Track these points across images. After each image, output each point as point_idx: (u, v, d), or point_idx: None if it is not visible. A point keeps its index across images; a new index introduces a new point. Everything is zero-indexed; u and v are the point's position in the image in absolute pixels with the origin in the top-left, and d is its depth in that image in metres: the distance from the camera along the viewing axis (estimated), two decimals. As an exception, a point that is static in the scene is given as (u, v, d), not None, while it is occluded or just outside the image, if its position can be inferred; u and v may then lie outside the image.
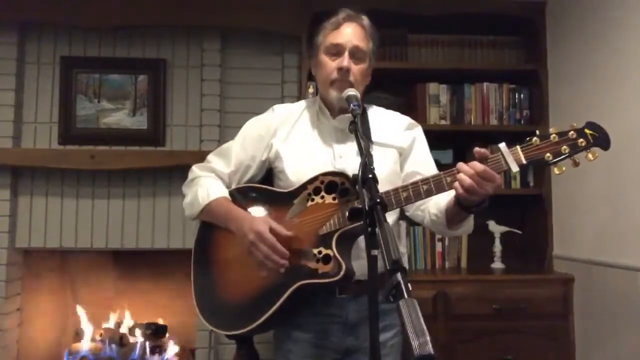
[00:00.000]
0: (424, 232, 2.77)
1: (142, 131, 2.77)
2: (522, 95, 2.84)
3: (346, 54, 1.46)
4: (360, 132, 1.25)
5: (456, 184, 1.26)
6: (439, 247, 2.78)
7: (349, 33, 1.48)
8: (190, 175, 1.61)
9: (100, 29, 2.74)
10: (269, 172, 1.59)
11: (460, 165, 1.27)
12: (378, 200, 0.99)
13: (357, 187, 1.12)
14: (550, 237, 2.70)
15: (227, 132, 2.79)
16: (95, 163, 2.61)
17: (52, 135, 2.75)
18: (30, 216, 2.70)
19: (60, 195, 2.73)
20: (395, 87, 2.81)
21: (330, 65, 1.47)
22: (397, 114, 1.65)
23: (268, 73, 2.86)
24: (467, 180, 1.24)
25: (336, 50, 1.48)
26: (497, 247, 2.77)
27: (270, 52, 2.87)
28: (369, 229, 0.97)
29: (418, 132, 1.62)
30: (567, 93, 2.59)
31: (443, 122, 2.79)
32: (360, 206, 1.04)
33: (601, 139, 1.23)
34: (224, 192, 1.52)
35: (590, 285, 2.37)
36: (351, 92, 1.41)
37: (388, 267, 0.83)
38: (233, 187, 1.56)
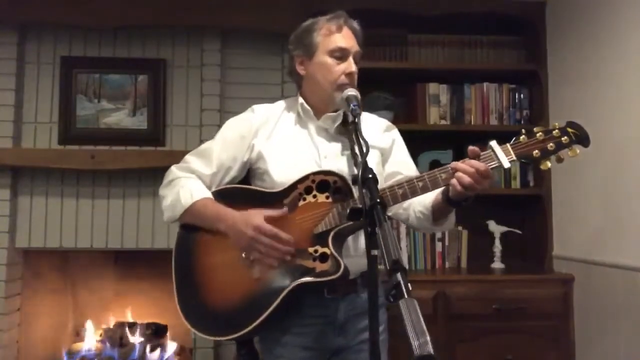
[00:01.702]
0: (423, 233, 2.77)
1: (142, 131, 2.77)
2: (522, 95, 2.84)
3: (351, 58, 1.47)
4: (361, 132, 1.26)
5: (453, 180, 1.29)
6: (439, 247, 2.78)
7: (352, 37, 1.49)
8: (169, 176, 1.55)
9: (100, 29, 2.74)
10: (246, 174, 1.57)
11: (456, 163, 1.31)
12: (378, 200, 0.99)
13: (357, 186, 1.12)
14: (550, 237, 2.70)
15: (227, 132, 2.79)
16: (95, 163, 2.61)
17: (52, 135, 2.75)
18: (30, 216, 2.70)
19: (60, 195, 2.73)
20: (395, 87, 2.81)
21: (337, 69, 1.46)
22: (374, 116, 1.67)
23: (268, 73, 2.86)
24: (467, 179, 1.27)
25: (341, 54, 1.47)
26: (497, 247, 2.76)
27: (270, 52, 2.86)
28: (369, 229, 0.97)
29: (396, 133, 1.65)
30: (567, 93, 2.59)
31: (443, 122, 2.79)
32: (360, 206, 1.04)
33: (582, 137, 1.32)
34: (208, 193, 1.48)
35: (590, 285, 2.37)
36: (351, 92, 1.41)
37: (388, 267, 0.83)
38: (213, 189, 1.52)
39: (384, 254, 0.87)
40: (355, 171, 1.16)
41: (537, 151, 1.31)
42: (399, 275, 0.81)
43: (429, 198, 1.44)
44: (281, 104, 1.60)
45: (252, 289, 1.37)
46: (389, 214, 1.58)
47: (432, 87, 2.80)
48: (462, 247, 2.81)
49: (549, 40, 2.77)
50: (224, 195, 1.49)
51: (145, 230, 2.74)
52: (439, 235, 2.77)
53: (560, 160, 1.33)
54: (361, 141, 1.21)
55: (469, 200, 1.34)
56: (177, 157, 2.60)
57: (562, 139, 1.31)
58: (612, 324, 2.22)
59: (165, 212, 1.53)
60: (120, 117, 2.78)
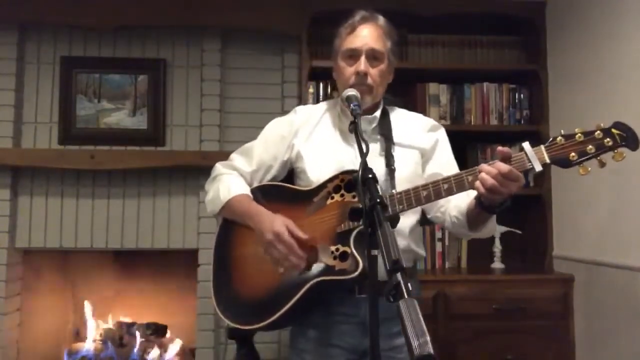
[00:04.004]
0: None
1: (142, 131, 2.77)
2: (522, 95, 2.84)
3: (362, 58, 1.47)
4: (361, 132, 1.25)
5: (477, 183, 1.25)
6: (439, 247, 2.78)
7: (365, 35, 1.49)
8: (213, 173, 1.63)
9: (100, 29, 2.74)
10: (290, 172, 1.61)
11: (482, 165, 1.27)
12: (378, 200, 0.99)
13: (358, 186, 1.12)
14: (550, 237, 2.70)
15: (227, 132, 2.80)
16: (95, 163, 2.61)
17: (52, 135, 2.75)
18: (30, 216, 2.70)
19: (60, 195, 2.73)
20: (395, 87, 2.79)
21: (348, 70, 1.49)
22: (420, 115, 1.67)
23: (268, 73, 2.86)
24: (490, 180, 1.23)
25: (352, 55, 1.49)
26: (497, 247, 2.76)
27: (270, 52, 2.87)
28: (369, 229, 0.96)
29: (441, 133, 1.62)
30: (567, 93, 2.59)
31: (443, 122, 2.78)
32: (360, 206, 1.03)
33: (629, 139, 1.21)
34: (245, 190, 1.54)
35: (591, 285, 2.37)
36: (351, 92, 1.41)
37: (388, 267, 0.83)
38: (255, 185, 1.58)
39: (384, 254, 0.87)
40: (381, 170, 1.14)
41: (573, 154, 1.21)
42: (399, 275, 0.81)
43: (464, 203, 1.41)
44: (323, 105, 1.64)
45: (276, 283, 1.40)
46: (428, 216, 1.59)
47: (432, 87, 2.80)
48: (462, 247, 2.82)
49: (549, 40, 2.76)
50: (263, 192, 1.55)
51: (145, 230, 2.74)
52: (439, 235, 2.77)
53: (602, 164, 1.22)
54: (362, 142, 1.21)
55: (503, 206, 1.29)
56: (177, 157, 2.67)
57: (605, 140, 1.21)
58: (612, 324, 2.22)
59: (207, 206, 1.60)
60: (120, 117, 2.78)
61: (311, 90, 2.71)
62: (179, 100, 2.82)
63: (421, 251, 1.56)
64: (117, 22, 2.68)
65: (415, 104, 2.80)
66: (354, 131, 1.26)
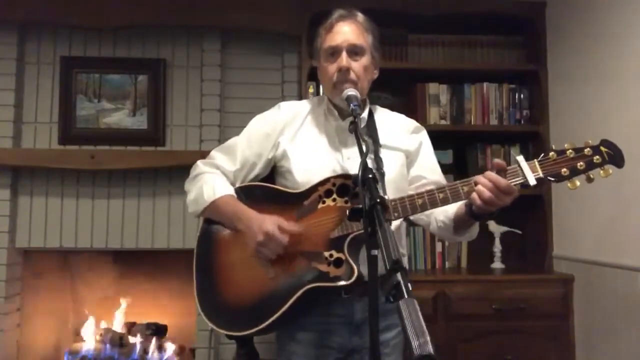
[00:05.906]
0: (424, 232, 2.77)
1: (142, 131, 2.77)
2: (522, 95, 2.84)
3: (343, 53, 1.45)
4: (360, 131, 1.25)
5: (474, 195, 1.27)
6: (439, 247, 2.78)
7: (345, 32, 1.47)
8: (195, 171, 1.57)
9: (100, 29, 2.74)
10: (271, 170, 1.58)
11: (478, 177, 1.28)
12: (378, 200, 0.99)
13: (358, 186, 1.12)
14: (550, 237, 2.70)
15: (227, 132, 2.80)
16: (95, 163, 2.61)
17: (52, 135, 2.75)
18: (30, 216, 2.70)
19: (60, 195, 2.73)
20: (395, 87, 2.81)
21: (331, 68, 1.47)
22: (402, 116, 1.65)
23: (268, 73, 2.86)
24: (487, 193, 1.25)
25: (333, 53, 1.47)
26: (497, 247, 2.77)
27: (270, 52, 2.87)
28: (369, 229, 0.96)
29: (424, 135, 1.62)
30: (567, 93, 2.59)
31: (443, 122, 2.79)
32: (360, 206, 1.03)
33: (616, 157, 1.27)
34: (230, 190, 1.49)
35: (590, 285, 2.37)
36: (351, 92, 1.40)
37: (388, 267, 0.83)
38: (237, 184, 1.53)
39: (384, 254, 0.87)
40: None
41: (565, 169, 1.27)
42: (399, 275, 0.81)
43: (452, 208, 1.42)
44: (308, 102, 1.61)
45: (267, 288, 1.37)
46: (411, 218, 1.57)
47: (432, 87, 2.80)
48: (462, 247, 2.82)
49: (549, 40, 2.76)
50: (246, 193, 1.50)
51: (145, 230, 2.74)
52: (441, 239, 2.76)
53: (590, 180, 1.27)
54: (361, 142, 1.20)
55: (492, 215, 1.32)
56: (177, 157, 2.67)
57: (594, 158, 1.27)
58: (612, 324, 2.22)
59: (189, 207, 1.54)
60: (120, 117, 2.78)
61: (311, 90, 2.71)
62: (179, 100, 2.82)
63: (403, 250, 1.58)
64: (117, 22, 2.68)
65: (415, 104, 2.80)
66: (354, 131, 1.25)
